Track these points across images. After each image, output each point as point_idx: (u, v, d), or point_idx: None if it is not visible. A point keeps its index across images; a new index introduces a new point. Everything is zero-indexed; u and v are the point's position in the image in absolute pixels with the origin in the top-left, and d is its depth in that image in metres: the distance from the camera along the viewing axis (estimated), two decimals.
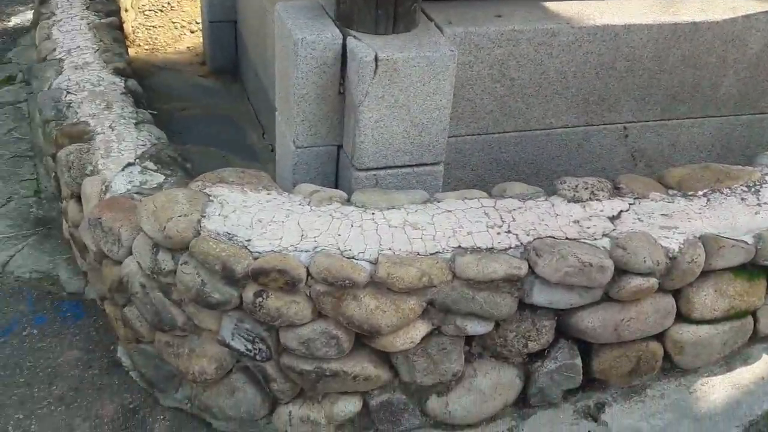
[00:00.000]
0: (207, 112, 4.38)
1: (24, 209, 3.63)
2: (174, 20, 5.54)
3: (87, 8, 4.13)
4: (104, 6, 4.18)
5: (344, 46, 2.53)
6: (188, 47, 5.23)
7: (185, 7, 5.76)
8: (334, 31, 2.53)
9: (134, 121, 3.20)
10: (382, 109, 2.50)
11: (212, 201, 2.43)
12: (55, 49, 3.72)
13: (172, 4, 5.76)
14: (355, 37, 2.52)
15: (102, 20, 4.02)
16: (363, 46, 2.45)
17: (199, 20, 5.55)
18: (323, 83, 2.58)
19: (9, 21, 5.66)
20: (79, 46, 3.73)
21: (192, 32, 5.42)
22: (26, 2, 5.97)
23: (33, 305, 3.11)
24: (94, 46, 3.75)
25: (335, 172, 2.79)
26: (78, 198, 2.95)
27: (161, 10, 5.69)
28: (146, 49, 5.09)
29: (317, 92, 2.59)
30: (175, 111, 4.27)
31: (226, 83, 4.71)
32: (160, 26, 5.48)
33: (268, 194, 2.51)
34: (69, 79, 3.47)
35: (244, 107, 4.47)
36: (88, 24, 3.94)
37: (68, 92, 3.38)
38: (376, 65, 2.42)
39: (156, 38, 5.30)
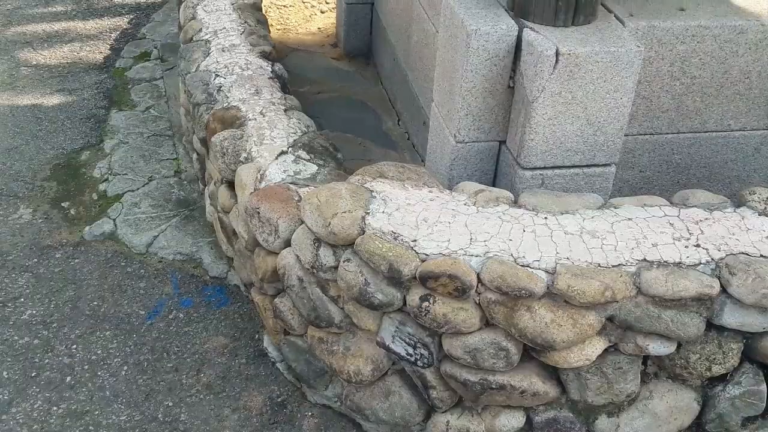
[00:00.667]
0: (341, 96, 4.32)
1: (165, 189, 3.66)
2: (304, 1, 5.50)
3: None
4: None
5: (519, 38, 2.38)
6: (319, 28, 5.17)
7: None
8: (509, 22, 2.39)
9: (283, 107, 3.15)
10: (558, 105, 2.34)
11: (375, 197, 2.34)
12: (201, 30, 3.71)
13: None
14: (532, 28, 2.36)
15: (245, 1, 3.99)
16: (542, 39, 2.30)
17: (329, 0, 5.50)
18: (492, 76, 2.44)
19: None
20: (224, 28, 3.71)
21: (322, 12, 5.36)
22: None
23: (178, 288, 3.12)
24: (239, 27, 3.72)
25: (494, 169, 2.65)
26: (229, 184, 2.93)
27: None
28: (278, 30, 5.06)
29: (485, 86, 2.46)
30: (310, 94, 4.22)
31: (359, 66, 4.63)
32: (290, 5, 5.45)
33: (430, 191, 2.40)
34: (217, 62, 3.45)
35: (378, 92, 4.38)
36: (232, 5, 3.92)
37: (217, 75, 3.36)
38: (557, 60, 2.26)
39: (287, 18, 5.27)
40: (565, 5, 2.34)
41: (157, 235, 3.37)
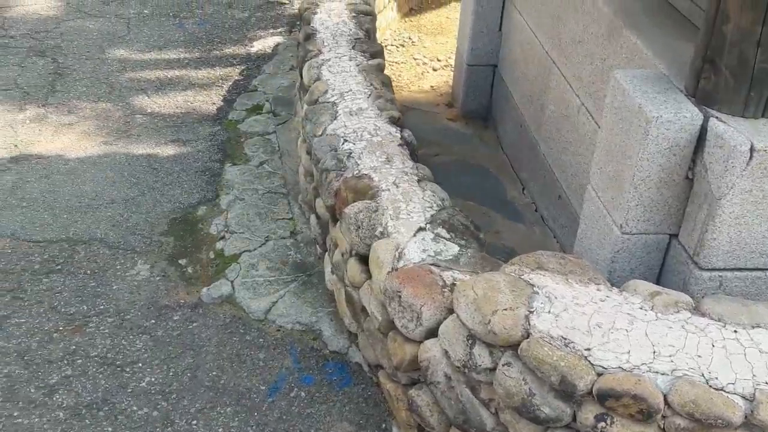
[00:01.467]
0: (460, 160, 4.17)
1: (282, 251, 3.54)
2: (416, 57, 5.41)
3: (353, 48, 4.03)
4: (369, 46, 4.06)
5: (702, 127, 2.18)
6: (432, 86, 5.06)
7: (425, 42, 5.63)
8: (692, 110, 2.18)
9: (416, 177, 3.01)
10: (747, 204, 2.12)
11: (537, 293, 2.15)
12: (326, 92, 3.62)
13: (413, 40, 5.64)
14: (718, 118, 2.16)
15: (369, 62, 3.90)
16: (733, 132, 2.09)
17: (441, 57, 5.39)
18: (670, 166, 2.23)
19: (252, 46, 5.76)
20: (351, 90, 3.62)
21: (434, 70, 5.25)
22: (267, 27, 6.08)
23: (298, 362, 2.98)
24: (366, 90, 3.62)
25: (661, 264, 2.43)
26: (360, 257, 2.78)
27: (402, 45, 5.58)
28: None
29: (661, 176, 2.25)
30: (428, 157, 4.08)
31: (476, 129, 4.48)
32: (402, 62, 5.36)
33: (598, 290, 2.19)
34: (345, 126, 3.34)
35: (499, 157, 4.22)
36: (357, 66, 3.83)
37: (345, 140, 3.25)
38: (751, 156, 2.04)
39: (399, 75, 5.18)
40: (757, 96, 2.13)
41: (276, 302, 3.24)
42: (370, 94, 3.59)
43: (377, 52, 4.06)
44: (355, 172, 3.03)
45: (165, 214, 3.78)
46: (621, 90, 2.34)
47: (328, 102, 3.56)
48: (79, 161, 4.18)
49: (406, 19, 5.96)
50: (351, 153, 3.15)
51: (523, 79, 3.87)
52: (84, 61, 5.33)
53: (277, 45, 5.80)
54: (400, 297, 2.37)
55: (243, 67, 5.42)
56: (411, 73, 5.19)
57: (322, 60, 3.90)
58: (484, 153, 4.23)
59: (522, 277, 2.24)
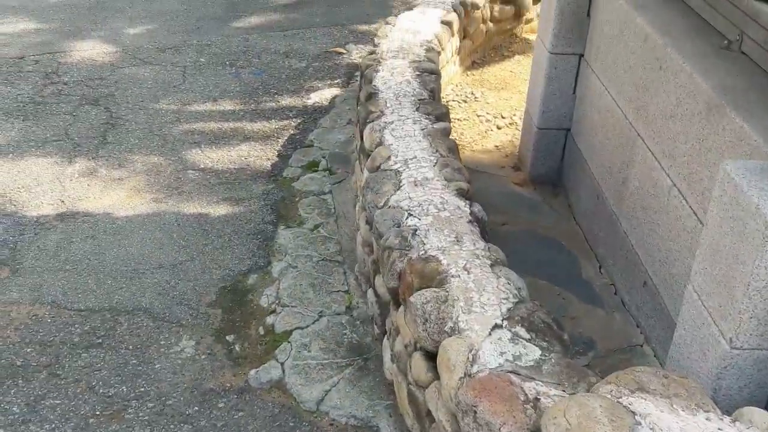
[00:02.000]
0: (529, 231, 3.88)
1: (337, 329, 3.29)
2: (479, 113, 5.16)
3: (417, 109, 3.79)
4: (433, 107, 3.82)
5: None
6: (496, 146, 4.80)
7: (489, 98, 5.38)
8: None
9: (489, 261, 2.72)
10: None
11: (640, 424, 1.84)
12: (389, 158, 3.38)
13: (476, 95, 5.40)
14: None
15: (435, 125, 3.65)
16: None
17: (505, 114, 5.14)
18: None
19: (308, 98, 5.58)
20: (415, 157, 3.37)
21: (498, 128, 4.99)
22: (324, 78, 5.91)
23: None
24: (432, 158, 3.37)
25: None
26: (426, 353, 2.50)
27: (465, 101, 5.35)
28: None
29: None
30: (494, 225, 3.79)
31: (546, 195, 4.19)
32: (464, 119, 5.12)
33: (708, 419, 1.87)
34: (410, 198, 3.09)
35: (571, 228, 3.92)
36: (422, 130, 3.59)
37: (410, 214, 2.99)
38: None
39: (462, 133, 4.93)
40: None
41: (329, 390, 2.97)
42: (436, 162, 3.34)
43: (442, 115, 3.82)
44: (421, 253, 2.76)
45: (214, 282, 3.56)
46: (733, 185, 2.03)
47: (391, 170, 3.31)
48: (127, 220, 4.00)
49: (469, 73, 5.73)
50: (416, 230, 2.89)
51: (601, 148, 3.58)
52: (137, 110, 5.21)
53: (335, 97, 5.61)
54: (475, 412, 2.08)
55: (299, 120, 5.24)
56: (474, 131, 4.94)
57: (385, 123, 3.67)
58: (555, 223, 3.94)
59: (621, 401, 1.93)
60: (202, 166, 4.59)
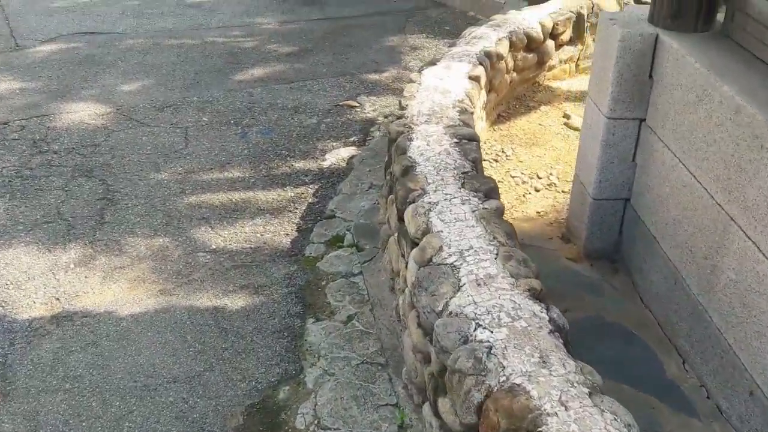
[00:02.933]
0: (595, 318, 3.42)
1: None
2: (513, 174, 4.72)
3: (462, 185, 3.33)
4: (480, 182, 3.36)
5: None
6: (537, 212, 4.35)
7: (521, 156, 4.95)
8: None
9: (586, 389, 2.25)
10: None
11: None
12: (441, 249, 2.92)
13: (507, 153, 4.97)
14: None
15: (485, 204, 3.20)
16: None
17: (541, 174, 4.70)
18: None
19: (324, 160, 5.13)
20: (472, 247, 2.90)
21: (537, 191, 4.55)
22: (339, 136, 5.47)
23: None
24: (490, 247, 2.90)
25: None
26: None
27: (496, 160, 4.91)
28: None
29: None
30: None
31: (605, 273, 3.72)
32: (499, 181, 4.66)
33: None
34: (474, 303, 2.61)
35: (640, 313, 3.45)
36: (473, 211, 3.13)
37: (478, 324, 2.52)
38: None
39: None
40: None
41: None
42: (497, 254, 2.87)
43: (491, 190, 3.36)
44: (502, 380, 2.28)
45: (239, 398, 3.06)
46: None
47: (446, 264, 2.84)
48: (132, 320, 3.50)
49: (495, 128, 5.30)
50: (491, 348, 2.41)
51: (677, 227, 3.13)
52: (137, 182, 4.73)
53: (352, 158, 5.16)
54: None
55: (316, 186, 4.78)
56: (511, 195, 4.49)
57: (429, 203, 3.21)
58: (621, 307, 3.47)
59: None
60: (214, 247, 4.11)
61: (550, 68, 6.04)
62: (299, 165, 5.04)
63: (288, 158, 5.12)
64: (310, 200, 4.62)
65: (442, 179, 3.42)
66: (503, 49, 5.28)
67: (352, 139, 5.44)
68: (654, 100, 3.33)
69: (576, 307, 3.46)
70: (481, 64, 4.90)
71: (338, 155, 5.20)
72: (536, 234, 4.10)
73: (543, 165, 4.82)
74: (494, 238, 2.99)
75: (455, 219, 3.11)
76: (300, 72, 6.63)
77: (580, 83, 6.12)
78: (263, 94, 6.14)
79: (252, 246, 4.13)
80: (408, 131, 3.86)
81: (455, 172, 3.48)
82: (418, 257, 2.97)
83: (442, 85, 4.45)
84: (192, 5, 8.53)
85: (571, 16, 5.99)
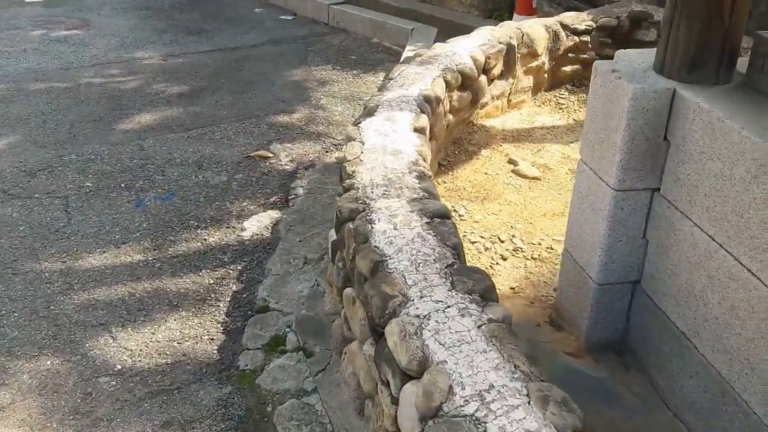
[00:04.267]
0: None
1: None
2: (471, 238, 4.06)
3: (452, 286, 2.62)
4: (473, 280, 2.65)
5: None
6: (512, 288, 3.70)
7: (475, 214, 4.31)
8: None
9: None
10: None
11: None
12: (452, 390, 2.19)
13: (459, 212, 4.32)
14: None
15: (489, 313, 2.50)
16: None
17: (502, 237, 4.08)
18: None
19: (243, 228, 4.30)
20: (492, 385, 2.19)
21: (504, 259, 3.91)
22: (255, 196, 4.66)
23: None
24: (516, 384, 2.20)
25: None
26: None
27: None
28: None
29: None
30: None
31: (614, 370, 3.11)
32: None
33: None
34: None
35: (667, 422, 2.85)
36: (479, 327, 2.42)
37: None
38: None
39: None
40: None
41: None
42: (528, 395, 2.17)
43: (487, 290, 2.66)
44: None
45: None
46: None
47: (464, 416, 2.11)
48: None
49: (439, 180, 4.64)
50: None
51: (723, 327, 2.55)
52: (11, 278, 3.73)
53: (276, 224, 4.36)
54: None
55: (239, 267, 3.94)
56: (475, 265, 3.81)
57: (418, 318, 2.48)
58: (648, 420, 2.86)
59: None
60: (119, 367, 3.20)
61: (483, 106, 5.46)
62: (214, 239, 4.18)
63: (198, 230, 4.25)
64: (234, 287, 3.78)
65: (425, 279, 2.69)
66: (440, 90, 4.63)
67: (272, 199, 4.63)
68: (673, 168, 2.75)
69: (596, 425, 2.82)
70: (422, 111, 4.23)
71: (259, 222, 4.38)
72: (520, 319, 3.44)
73: (501, 225, 4.19)
74: (516, 367, 2.29)
75: (458, 341, 2.39)
76: (197, 117, 5.74)
77: (513, 120, 5.60)
78: (156, 146, 5.21)
79: (169, 361, 3.25)
80: (365, 210, 3.11)
81: (438, 266, 2.76)
82: (422, 405, 2.22)
83: (389, 143, 3.73)
84: (58, 40, 7.42)
85: (502, 48, 5.43)
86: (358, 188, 3.31)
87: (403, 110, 4.16)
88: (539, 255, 3.88)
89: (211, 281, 3.81)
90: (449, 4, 8.70)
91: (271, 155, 5.18)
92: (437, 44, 5.42)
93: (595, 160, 2.96)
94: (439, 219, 3.08)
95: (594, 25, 6.10)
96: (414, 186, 3.33)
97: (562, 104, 5.89)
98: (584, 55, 6.14)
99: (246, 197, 4.63)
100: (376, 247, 2.87)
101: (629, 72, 2.82)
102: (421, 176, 3.44)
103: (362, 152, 3.63)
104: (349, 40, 8.02)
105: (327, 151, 5.32)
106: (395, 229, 2.97)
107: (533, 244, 3.99)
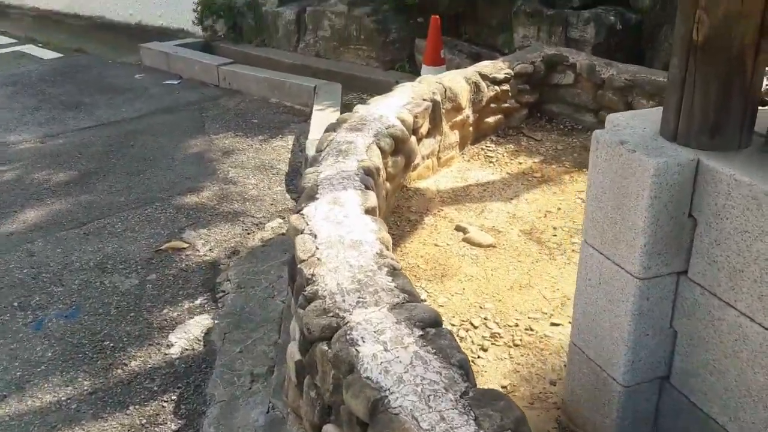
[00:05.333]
0: None
1: None
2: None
3: (478, 426, 2.11)
4: (500, 411, 2.16)
5: None
6: (503, 387, 3.22)
7: (437, 297, 3.83)
8: None
9: None
10: None
11: None
12: None
13: (420, 296, 3.79)
14: None
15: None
16: None
17: (475, 322, 3.64)
18: None
19: (169, 345, 3.64)
20: None
21: (484, 350, 3.44)
22: (176, 299, 4.00)
23: None
24: None
25: None
26: None
27: None
28: None
29: None
30: None
31: None
32: None
33: None
34: None
35: None
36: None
37: None
38: None
39: None
40: None
41: None
42: None
43: (518, 423, 2.17)
44: None
45: None
46: None
47: None
48: None
49: None
50: None
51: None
52: None
53: (208, 332, 3.72)
54: None
55: (173, 396, 3.27)
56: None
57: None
58: None
59: None
60: None
61: (415, 167, 5.04)
62: (136, 362, 3.48)
63: (116, 353, 3.54)
64: (172, 425, 3.11)
65: (443, 418, 2.17)
66: (378, 160, 4.17)
67: (197, 301, 3.98)
68: (704, 250, 2.38)
69: None
70: (368, 187, 3.73)
71: (187, 332, 3.73)
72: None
73: (469, 306, 3.73)
74: None
75: None
76: (90, 207, 5.00)
77: (446, 178, 5.21)
78: (48, 249, 4.44)
79: None
80: (343, 328, 2.56)
81: (452, 396, 2.25)
82: None
83: (345, 233, 3.20)
84: None
85: (428, 106, 5.04)
86: (324, 296, 2.75)
87: (347, 189, 3.65)
88: (521, 340, 3.44)
89: (143, 420, 3.12)
90: (345, 57, 8.33)
91: (185, 245, 4.53)
92: (359, 106, 4.96)
93: (607, 244, 2.55)
94: (432, 329, 2.57)
95: (512, 73, 5.85)
96: (389, 287, 2.81)
97: (491, 157, 5.56)
98: (505, 104, 5.89)
99: (165, 302, 3.96)
100: (368, 378, 2.32)
101: (640, 143, 2.44)
102: (393, 272, 2.93)
103: (317, 248, 3.07)
104: (246, 102, 7.45)
105: (249, 233, 4.72)
106: (386, 350, 2.43)
107: (510, 326, 3.55)
